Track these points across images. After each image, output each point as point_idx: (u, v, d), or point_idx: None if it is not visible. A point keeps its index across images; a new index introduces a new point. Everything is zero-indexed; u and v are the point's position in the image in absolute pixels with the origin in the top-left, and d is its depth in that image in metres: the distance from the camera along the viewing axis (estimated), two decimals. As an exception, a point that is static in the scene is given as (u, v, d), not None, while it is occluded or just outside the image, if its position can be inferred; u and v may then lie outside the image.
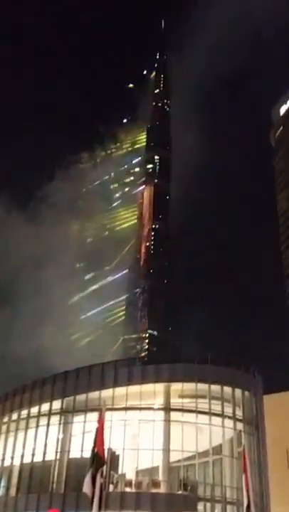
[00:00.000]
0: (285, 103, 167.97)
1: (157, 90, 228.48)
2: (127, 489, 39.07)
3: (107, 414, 29.76)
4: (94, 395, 41.40)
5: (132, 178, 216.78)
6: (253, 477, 37.22)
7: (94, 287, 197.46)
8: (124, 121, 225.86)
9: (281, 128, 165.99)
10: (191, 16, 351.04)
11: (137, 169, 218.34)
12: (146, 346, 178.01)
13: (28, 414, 44.08)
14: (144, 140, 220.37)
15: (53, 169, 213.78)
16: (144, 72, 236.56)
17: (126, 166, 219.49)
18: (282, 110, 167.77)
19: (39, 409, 43.53)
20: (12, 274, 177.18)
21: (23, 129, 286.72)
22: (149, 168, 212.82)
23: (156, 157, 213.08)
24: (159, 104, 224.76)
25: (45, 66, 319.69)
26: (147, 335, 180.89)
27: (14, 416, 45.49)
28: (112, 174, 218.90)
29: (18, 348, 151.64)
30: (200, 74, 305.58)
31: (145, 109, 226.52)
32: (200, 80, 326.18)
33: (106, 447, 23.47)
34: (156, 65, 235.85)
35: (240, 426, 41.90)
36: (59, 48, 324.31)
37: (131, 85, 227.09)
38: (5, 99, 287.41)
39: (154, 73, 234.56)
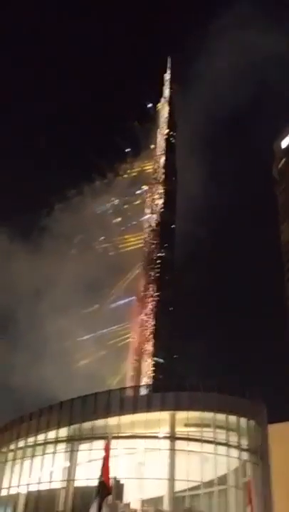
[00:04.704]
0: (288, 136, 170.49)
1: (163, 122, 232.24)
2: (132, 519, 38.98)
3: (113, 442, 30.00)
4: (100, 422, 41.66)
5: (135, 207, 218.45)
6: (258, 509, 37.13)
7: (97, 315, 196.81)
8: (127, 151, 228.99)
9: (283, 160, 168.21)
10: (197, 54, 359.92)
11: (141, 197, 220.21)
12: (152, 374, 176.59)
13: (35, 441, 44.17)
14: (149, 171, 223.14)
15: (54, 200, 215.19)
16: (150, 104, 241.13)
17: (129, 196, 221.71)
18: (284, 143, 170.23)
19: (45, 436, 43.71)
20: (15, 304, 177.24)
21: (25, 161, 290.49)
22: (155, 198, 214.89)
23: (161, 188, 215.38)
24: (165, 136, 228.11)
25: (47, 99, 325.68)
26: (153, 362, 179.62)
27: (21, 443, 45.50)
28: (116, 203, 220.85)
29: (20, 379, 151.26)
30: (204, 107, 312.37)
31: (149, 141, 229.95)
32: (204, 112, 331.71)
33: (111, 476, 23.85)
34: (162, 98, 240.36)
35: (245, 456, 41.95)
36: (62, 85, 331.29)
37: (136, 122, 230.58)
38: (6, 132, 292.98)
39: (159, 105, 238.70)
